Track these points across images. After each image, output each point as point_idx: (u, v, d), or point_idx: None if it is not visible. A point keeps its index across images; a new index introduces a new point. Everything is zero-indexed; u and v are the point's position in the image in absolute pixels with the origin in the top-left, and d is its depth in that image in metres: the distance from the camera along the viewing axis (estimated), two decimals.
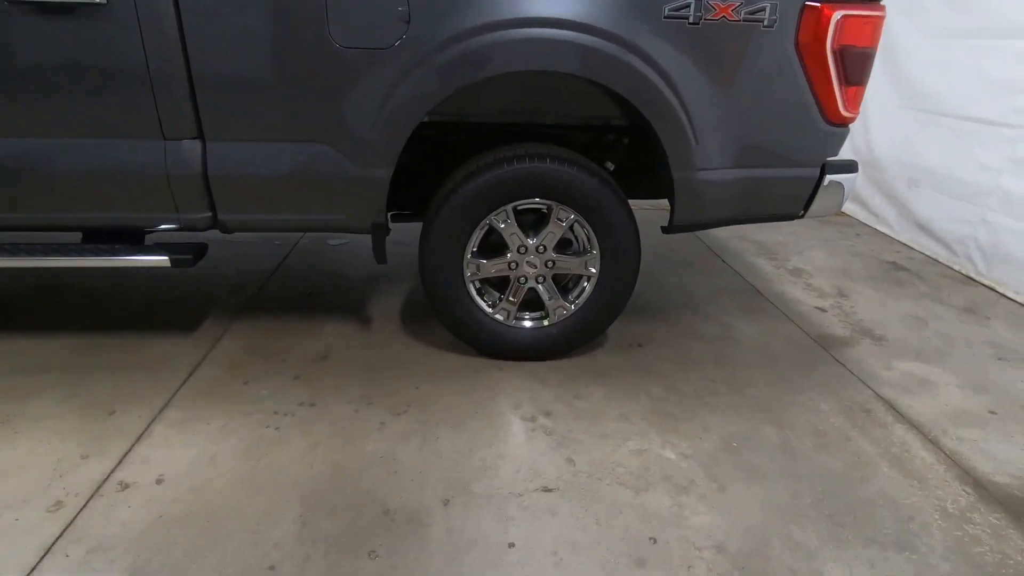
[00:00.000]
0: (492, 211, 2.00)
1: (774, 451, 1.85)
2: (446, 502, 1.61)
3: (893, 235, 3.86)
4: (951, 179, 3.42)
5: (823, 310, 2.83)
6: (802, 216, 2.15)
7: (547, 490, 1.66)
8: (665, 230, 2.14)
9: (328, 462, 1.73)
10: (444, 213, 1.98)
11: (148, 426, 1.85)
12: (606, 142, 2.38)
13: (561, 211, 2.03)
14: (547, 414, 1.98)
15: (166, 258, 1.97)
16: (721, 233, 3.78)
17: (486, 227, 2.06)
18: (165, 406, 1.94)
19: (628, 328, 2.52)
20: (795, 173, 2.03)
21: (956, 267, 3.37)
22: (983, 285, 3.17)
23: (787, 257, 3.47)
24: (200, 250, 2.03)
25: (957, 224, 3.38)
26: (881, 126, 3.90)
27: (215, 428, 1.85)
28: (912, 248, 3.68)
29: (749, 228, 3.79)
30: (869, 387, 2.22)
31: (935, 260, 3.50)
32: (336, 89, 1.79)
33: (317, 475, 1.68)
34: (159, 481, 1.64)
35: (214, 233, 2.05)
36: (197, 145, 1.84)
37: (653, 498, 1.65)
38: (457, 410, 1.98)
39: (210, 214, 1.94)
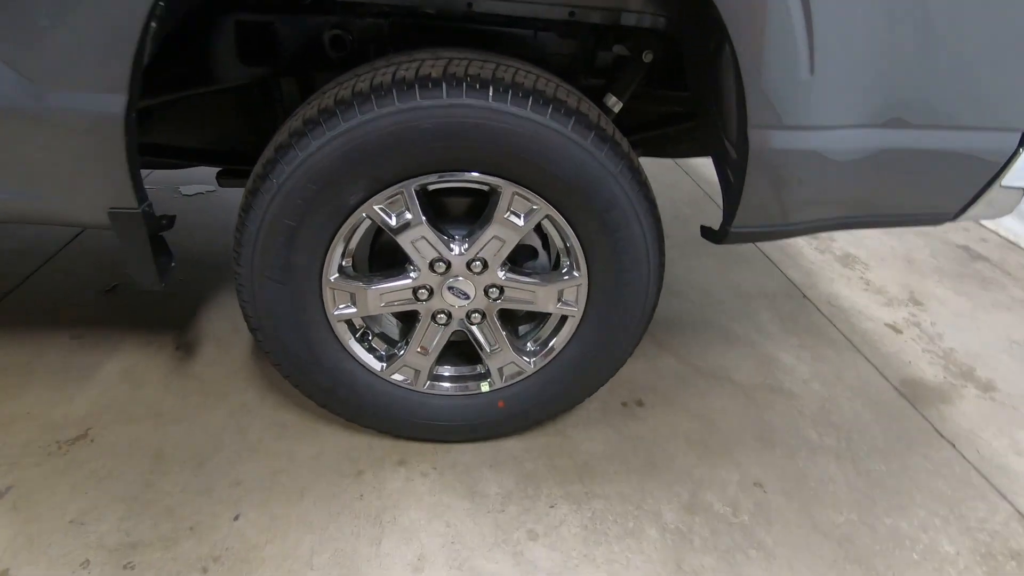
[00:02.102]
0: (372, 195, 0.97)
1: None
2: None
3: None
4: None
5: (897, 330, 1.95)
6: (953, 219, 1.19)
7: None
8: (712, 235, 1.14)
9: None
10: (265, 198, 0.94)
11: None
12: (608, 59, 1.27)
13: (518, 198, 1.01)
14: None
15: None
16: None
17: (366, 223, 1.03)
18: None
19: None
20: (977, 141, 1.04)
21: None
22: None
23: (831, 234, 2.54)
24: None
25: None
26: None
27: None
28: (984, 226, 2.79)
29: None
30: (1005, 497, 1.37)
31: (1015, 245, 2.63)
32: None
33: None
34: None
35: None
36: None
37: None
38: None
39: None
